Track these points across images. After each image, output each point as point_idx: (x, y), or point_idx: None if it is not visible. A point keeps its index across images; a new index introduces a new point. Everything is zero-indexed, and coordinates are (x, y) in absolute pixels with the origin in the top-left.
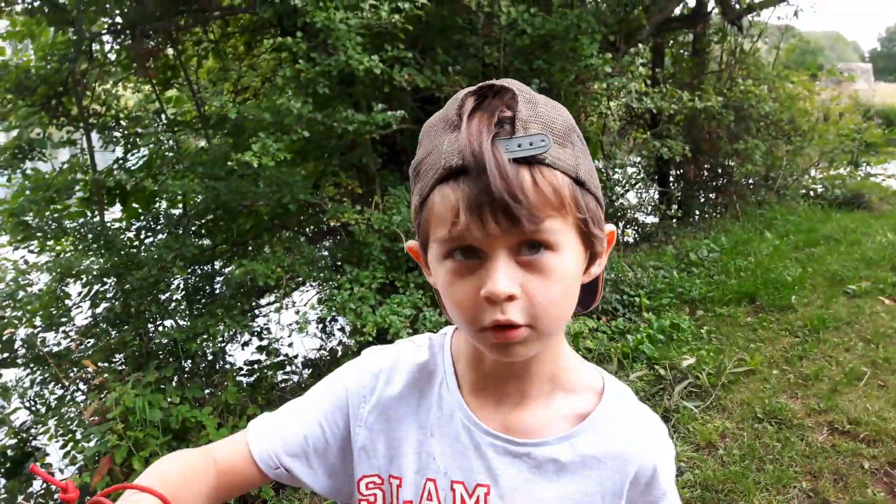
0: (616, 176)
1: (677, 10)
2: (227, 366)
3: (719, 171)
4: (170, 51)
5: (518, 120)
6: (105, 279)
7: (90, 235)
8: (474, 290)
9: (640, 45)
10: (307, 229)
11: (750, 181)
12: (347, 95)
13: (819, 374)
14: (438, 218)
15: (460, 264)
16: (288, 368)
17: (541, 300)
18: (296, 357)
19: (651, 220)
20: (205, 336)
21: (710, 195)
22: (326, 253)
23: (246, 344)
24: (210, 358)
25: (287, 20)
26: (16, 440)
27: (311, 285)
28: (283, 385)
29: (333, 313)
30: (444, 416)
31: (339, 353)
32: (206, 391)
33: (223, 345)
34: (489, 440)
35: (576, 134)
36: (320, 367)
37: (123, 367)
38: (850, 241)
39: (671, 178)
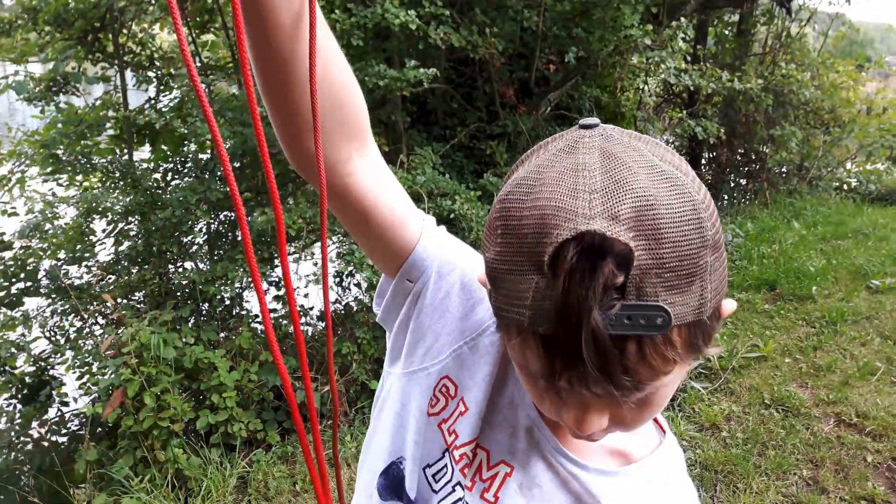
0: None
1: None
2: (244, 312)
3: (753, 156)
4: None
5: (630, 282)
6: (129, 217)
7: (117, 173)
8: (554, 404)
9: (683, 20)
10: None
11: (783, 169)
12: (381, 50)
13: (832, 366)
14: (519, 353)
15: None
16: (303, 319)
17: (631, 425)
18: (311, 309)
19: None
20: (223, 280)
21: (741, 180)
22: None
23: (265, 293)
24: (227, 302)
25: None
26: (34, 368)
27: (332, 239)
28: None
29: (351, 268)
30: (501, 377)
31: (355, 309)
32: (222, 334)
33: (241, 290)
34: (535, 429)
35: (711, 248)
36: (335, 321)
37: (142, 304)
38: (878, 236)
39: (703, 161)
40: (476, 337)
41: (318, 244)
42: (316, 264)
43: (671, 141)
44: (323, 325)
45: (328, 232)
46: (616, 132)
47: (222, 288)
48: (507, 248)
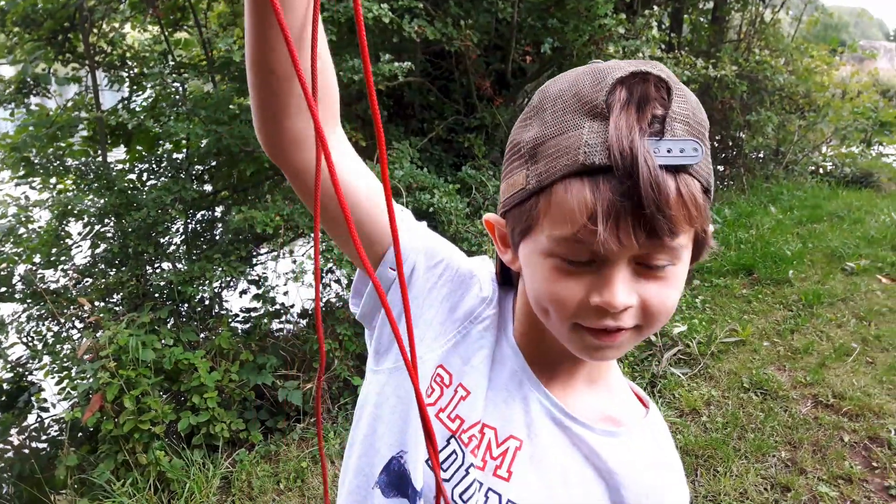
0: None
1: None
2: (223, 311)
3: (730, 143)
4: None
5: (669, 119)
6: (105, 219)
7: (91, 175)
8: (582, 293)
9: (656, 8)
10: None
11: (760, 155)
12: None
13: (809, 348)
14: (563, 214)
15: (569, 266)
16: (283, 318)
17: (657, 306)
18: (292, 306)
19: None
20: (200, 280)
21: (719, 167)
22: None
23: (244, 292)
24: (206, 303)
25: None
26: (12, 374)
27: (310, 237)
28: (277, 333)
29: (331, 264)
30: (498, 359)
31: (336, 305)
32: (201, 335)
33: (219, 290)
34: (538, 396)
35: (708, 131)
36: (315, 318)
37: (119, 307)
38: (853, 218)
39: None
40: (468, 325)
41: (296, 242)
42: (295, 262)
43: None
44: (304, 322)
45: (306, 230)
46: None
47: (200, 288)
48: (554, 115)
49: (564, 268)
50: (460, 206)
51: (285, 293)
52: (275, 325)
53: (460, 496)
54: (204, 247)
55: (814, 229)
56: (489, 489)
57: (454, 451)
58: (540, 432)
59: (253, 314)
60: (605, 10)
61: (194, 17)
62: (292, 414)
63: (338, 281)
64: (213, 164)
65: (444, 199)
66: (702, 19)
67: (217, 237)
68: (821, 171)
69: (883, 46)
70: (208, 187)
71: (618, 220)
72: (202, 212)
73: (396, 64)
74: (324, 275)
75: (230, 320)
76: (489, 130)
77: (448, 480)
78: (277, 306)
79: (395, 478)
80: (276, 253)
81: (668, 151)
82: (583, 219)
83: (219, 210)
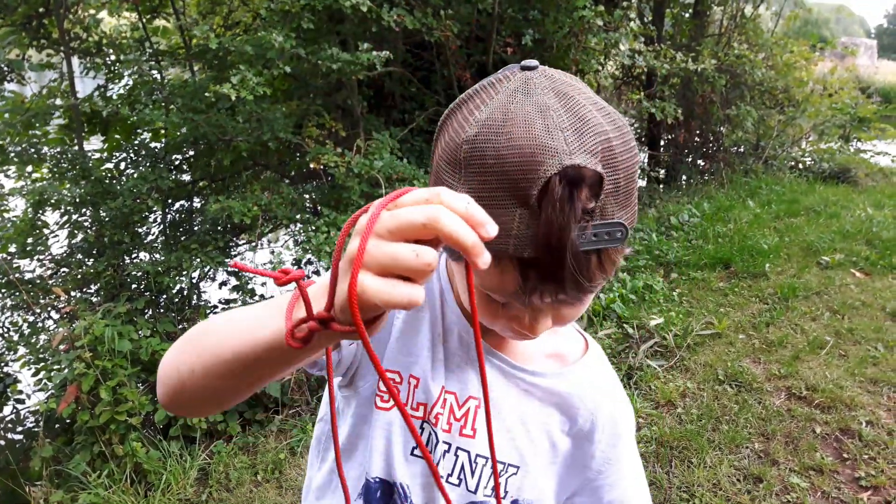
0: None
1: None
2: (201, 302)
3: (710, 136)
4: None
5: (598, 207)
6: (82, 208)
7: (67, 163)
8: (505, 318)
9: (635, 1)
10: (289, 170)
11: (739, 149)
12: (336, 33)
13: (783, 341)
14: (490, 280)
15: (517, 304)
16: None
17: (567, 319)
18: (271, 297)
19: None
20: (177, 271)
21: (699, 161)
22: (306, 195)
23: (224, 283)
24: (184, 293)
25: None
26: None
27: (289, 227)
28: None
29: (308, 255)
30: (448, 330)
31: None
32: (179, 326)
33: (197, 281)
34: (487, 356)
35: (638, 170)
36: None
37: (97, 297)
38: (829, 213)
39: (662, 142)
40: (391, 328)
41: (272, 233)
42: (273, 252)
43: (630, 123)
44: None
45: (285, 220)
46: (553, 72)
47: (178, 279)
48: (484, 186)
49: (491, 300)
50: None
51: (263, 284)
52: None
53: (437, 464)
54: (182, 237)
55: (791, 223)
56: (458, 448)
57: (430, 434)
58: (494, 388)
59: (231, 305)
60: (585, 2)
61: (172, 4)
62: (270, 406)
63: (317, 272)
64: (192, 153)
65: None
66: (684, 13)
67: (196, 227)
68: (800, 165)
69: (864, 43)
70: (187, 177)
71: (542, 295)
72: (181, 202)
73: (375, 53)
74: (303, 266)
75: (208, 311)
76: None
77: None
78: (257, 298)
79: (375, 498)
80: (254, 244)
81: (595, 237)
82: (510, 291)
83: (197, 200)
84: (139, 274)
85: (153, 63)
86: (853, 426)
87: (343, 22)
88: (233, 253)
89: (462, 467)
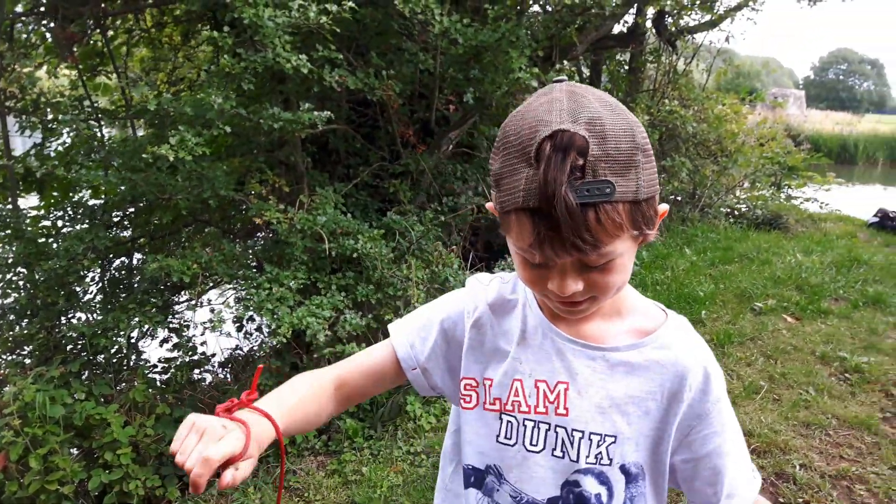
0: None
1: (617, 29)
2: (140, 363)
3: None
4: (99, 37)
5: (588, 165)
6: (14, 269)
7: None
8: (542, 280)
9: (566, 63)
10: (232, 226)
11: (677, 197)
12: (279, 92)
13: None
14: (517, 235)
15: (531, 263)
16: (203, 367)
17: (601, 287)
18: (213, 356)
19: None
20: (115, 331)
21: None
22: (248, 251)
23: (165, 341)
24: (122, 354)
25: (220, 13)
26: None
27: (230, 284)
28: (199, 383)
29: (250, 312)
30: (530, 331)
31: (258, 354)
32: (118, 387)
33: (136, 341)
34: (569, 345)
35: (640, 151)
36: (236, 367)
37: (29, 360)
38: (761, 260)
39: None
40: (472, 336)
41: (214, 290)
42: (213, 310)
43: None
44: (225, 372)
45: (226, 277)
46: (580, 85)
47: (115, 339)
48: (506, 156)
49: (528, 263)
50: (385, 251)
51: (203, 343)
52: (195, 374)
53: (532, 444)
54: (123, 295)
55: (726, 270)
56: (556, 426)
57: (508, 422)
58: (579, 370)
59: (172, 365)
60: (519, 65)
61: (113, 62)
62: None
63: (259, 329)
64: (132, 210)
65: (369, 244)
66: (619, 70)
67: (136, 284)
68: (735, 213)
69: (793, 94)
70: (126, 233)
71: (551, 244)
72: (121, 258)
73: (316, 113)
74: (245, 322)
75: (147, 371)
76: (414, 176)
77: (515, 444)
78: (198, 356)
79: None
80: (193, 302)
81: (587, 192)
82: (528, 242)
83: (138, 257)
84: (75, 335)
85: (93, 122)
86: (787, 470)
87: (285, 82)
88: (175, 311)
89: (563, 442)
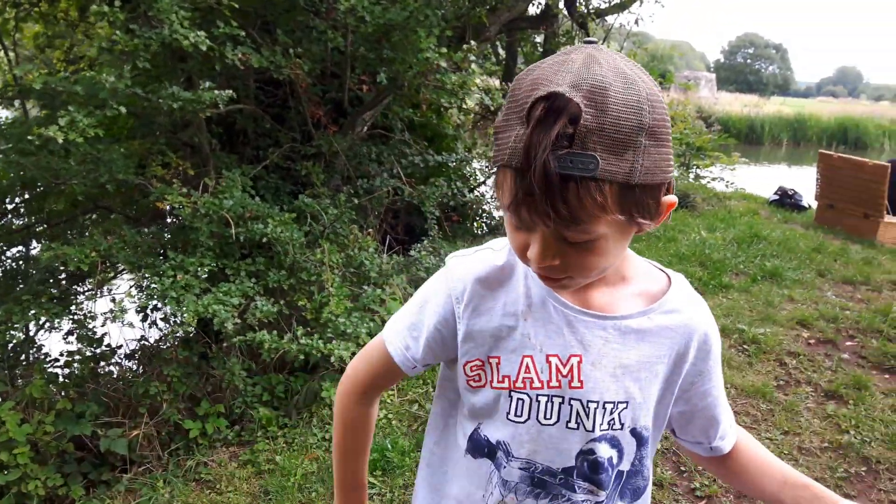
0: (467, 170)
1: (532, 10)
2: (40, 356)
3: None
4: None
5: (577, 135)
6: None
7: None
8: (524, 245)
9: (474, 43)
10: (137, 212)
11: None
12: (181, 71)
13: None
14: (500, 191)
15: (517, 224)
16: (108, 361)
17: (576, 268)
18: (119, 347)
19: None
20: (7, 325)
21: None
22: (151, 237)
23: (70, 333)
24: (19, 348)
25: None
26: None
27: (133, 272)
28: (101, 376)
29: (154, 301)
30: (536, 303)
31: (165, 345)
32: (17, 382)
33: (34, 334)
34: (580, 317)
35: (646, 132)
36: (143, 358)
37: None
38: (668, 237)
39: None
40: (464, 320)
41: (116, 279)
42: (114, 300)
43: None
44: (130, 363)
45: (128, 265)
46: (607, 51)
47: (9, 333)
48: (507, 110)
49: (513, 226)
50: (296, 234)
51: (104, 335)
52: (101, 368)
53: (546, 418)
54: (21, 286)
55: (634, 248)
56: (570, 398)
57: (518, 399)
58: (591, 342)
59: (74, 358)
60: (428, 45)
61: (1, 41)
62: (117, 464)
63: (165, 318)
64: (27, 196)
65: (279, 228)
66: (534, 52)
67: (32, 275)
68: None
69: (704, 77)
70: (21, 221)
71: (528, 207)
72: (17, 248)
73: (217, 92)
74: (149, 312)
75: (47, 366)
76: (327, 158)
77: (527, 420)
78: (103, 348)
79: (478, 445)
80: (93, 292)
81: (571, 163)
82: (507, 201)
83: (35, 246)
84: None
85: None
86: None
87: (186, 60)
88: (78, 301)
89: (577, 414)
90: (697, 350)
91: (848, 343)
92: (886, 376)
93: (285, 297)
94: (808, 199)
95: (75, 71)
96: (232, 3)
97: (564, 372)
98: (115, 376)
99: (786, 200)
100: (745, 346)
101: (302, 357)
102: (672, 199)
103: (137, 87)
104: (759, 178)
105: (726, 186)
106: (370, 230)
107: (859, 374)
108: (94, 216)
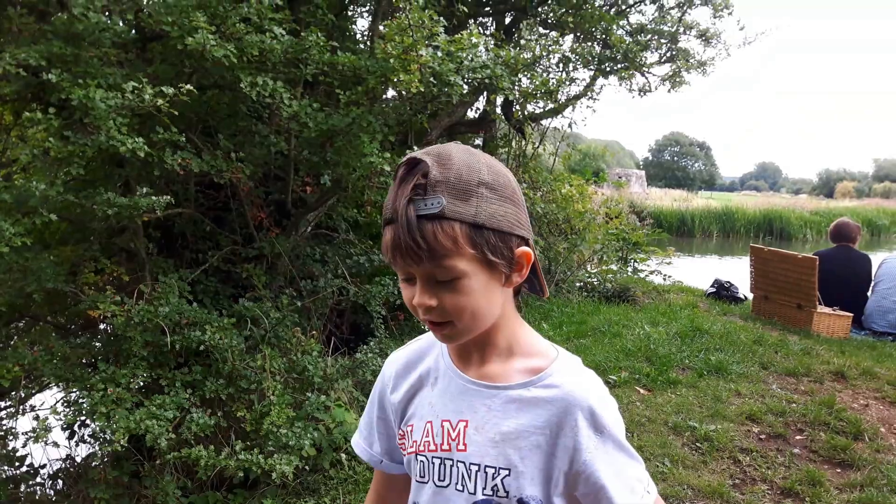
0: None
1: (471, 114)
2: None
3: None
4: None
5: (428, 185)
6: None
7: None
8: (411, 297)
9: (416, 148)
10: (63, 319)
11: None
12: (118, 176)
13: None
14: (386, 246)
15: (404, 280)
16: (29, 483)
17: (450, 308)
18: (42, 467)
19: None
20: None
21: None
22: (81, 348)
23: None
24: None
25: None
26: None
27: (59, 386)
28: (22, 500)
29: (82, 418)
30: (441, 375)
31: (94, 463)
32: None
33: None
34: (471, 386)
35: (486, 186)
36: (69, 479)
37: None
38: (613, 332)
39: None
40: (390, 406)
41: (38, 395)
42: (37, 418)
43: None
44: (55, 484)
45: (55, 378)
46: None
47: None
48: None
49: (402, 281)
50: (236, 341)
51: (26, 455)
52: (21, 491)
53: (440, 479)
54: None
55: (581, 344)
56: (457, 461)
57: (421, 462)
58: (477, 408)
59: None
60: (372, 149)
61: None
62: None
63: (93, 435)
64: None
65: (218, 334)
66: None
67: None
68: (587, 287)
69: (635, 174)
70: None
71: (399, 251)
72: None
73: (154, 198)
74: (77, 429)
75: None
76: (270, 260)
77: (427, 482)
78: (25, 467)
79: None
80: (13, 409)
81: (424, 205)
82: (385, 250)
83: None
84: None
85: None
86: None
87: (124, 165)
88: None
89: (462, 476)
90: (581, 426)
91: (798, 437)
92: (839, 470)
93: (223, 407)
94: (744, 290)
95: (8, 175)
96: (171, 111)
97: (454, 436)
98: (37, 498)
99: (722, 293)
100: (698, 444)
101: (241, 473)
102: (526, 250)
103: (70, 194)
104: (694, 270)
105: (664, 280)
106: (314, 332)
107: (812, 469)
108: (20, 324)
